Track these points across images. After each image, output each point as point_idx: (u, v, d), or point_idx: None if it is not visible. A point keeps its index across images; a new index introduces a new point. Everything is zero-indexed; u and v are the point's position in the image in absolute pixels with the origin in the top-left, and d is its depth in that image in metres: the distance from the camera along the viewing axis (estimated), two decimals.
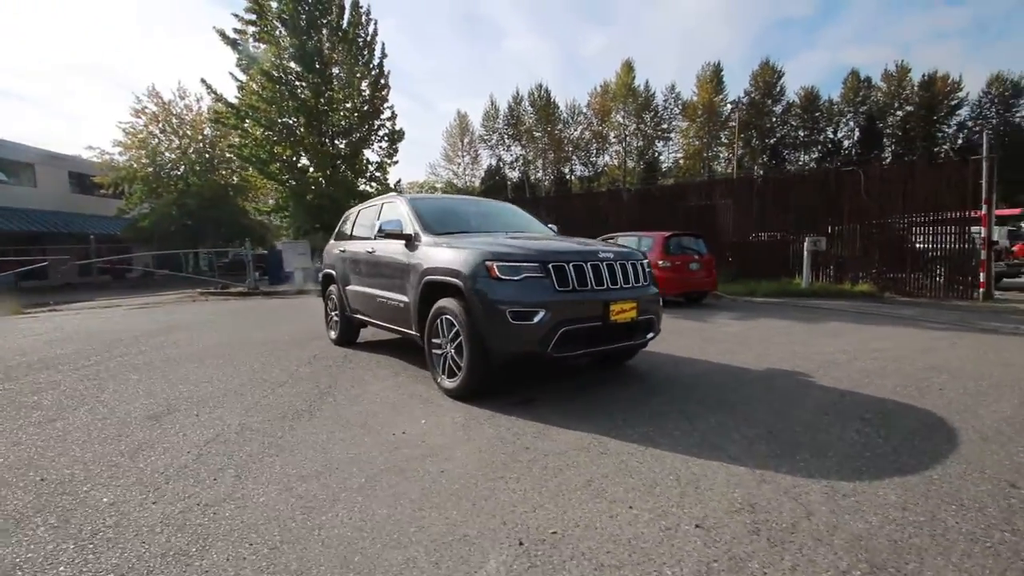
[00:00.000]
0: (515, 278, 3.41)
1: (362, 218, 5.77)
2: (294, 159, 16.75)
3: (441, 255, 3.93)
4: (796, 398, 3.59)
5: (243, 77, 16.19)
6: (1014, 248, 13.73)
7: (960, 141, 50.79)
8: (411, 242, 4.37)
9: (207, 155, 21.95)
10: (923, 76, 51.37)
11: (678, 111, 51.13)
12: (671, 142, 51.60)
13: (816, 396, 3.64)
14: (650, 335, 3.97)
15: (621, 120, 50.10)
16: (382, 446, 2.88)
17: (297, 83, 16.13)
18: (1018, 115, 49.18)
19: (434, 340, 3.94)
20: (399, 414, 3.43)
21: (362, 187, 17.76)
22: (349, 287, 5.57)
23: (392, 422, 3.27)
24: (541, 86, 48.37)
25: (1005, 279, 12.56)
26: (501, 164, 51.49)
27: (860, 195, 11.32)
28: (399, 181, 20.09)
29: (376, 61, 17.07)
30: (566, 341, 3.42)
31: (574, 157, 51.01)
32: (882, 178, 11.33)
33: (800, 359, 4.83)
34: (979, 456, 2.58)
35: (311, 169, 16.85)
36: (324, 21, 16.33)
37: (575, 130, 51.13)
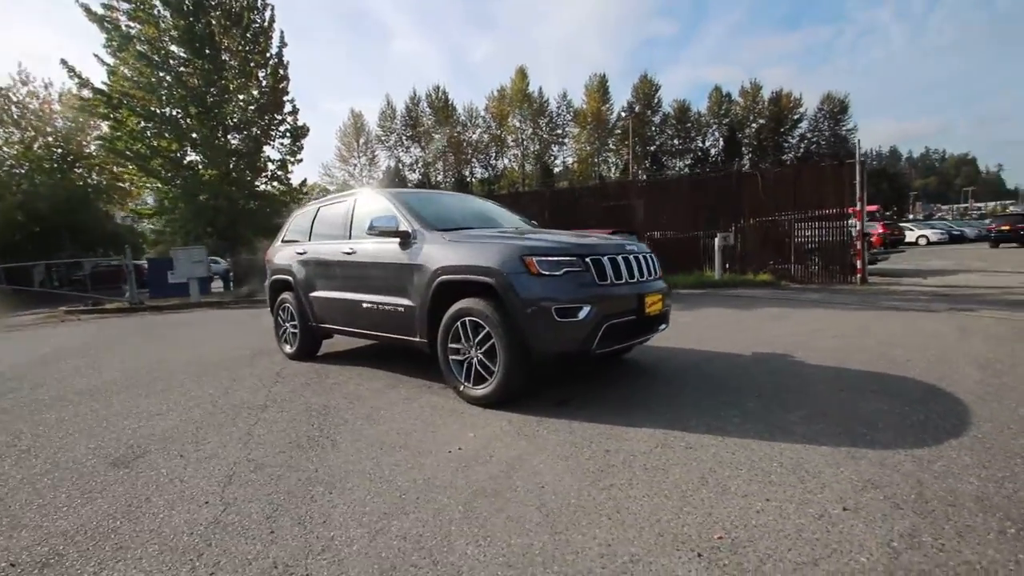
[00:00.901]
0: (556, 273, 3.23)
1: (326, 216, 5.16)
2: (180, 155, 14.65)
3: (456, 253, 3.62)
4: (803, 379, 3.84)
5: (111, 60, 13.80)
6: (872, 239, 16.31)
7: (802, 150, 59.54)
8: (407, 240, 3.98)
9: (59, 151, 18.42)
10: (772, 93, 59.34)
11: (570, 118, 53.64)
12: (565, 147, 53.93)
13: (817, 375, 3.92)
14: (663, 326, 4.01)
15: (518, 124, 51.28)
16: (448, 467, 2.54)
17: (183, 70, 14.13)
18: (844, 128, 58.77)
19: (452, 345, 3.61)
20: (436, 429, 3.08)
21: (262, 187, 16.11)
22: (315, 294, 4.95)
23: (437, 438, 2.92)
24: (439, 88, 47.88)
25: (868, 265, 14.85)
26: (400, 165, 50.01)
27: (759, 195, 12.66)
28: (304, 182, 18.55)
29: (274, 50, 15.57)
30: (608, 336, 3.31)
31: (474, 159, 51.16)
32: (776, 179, 12.79)
33: (769, 343, 5.20)
34: (992, 414, 2.93)
35: (201, 166, 14.87)
36: (214, 3, 14.51)
37: (473, 133, 51.31)
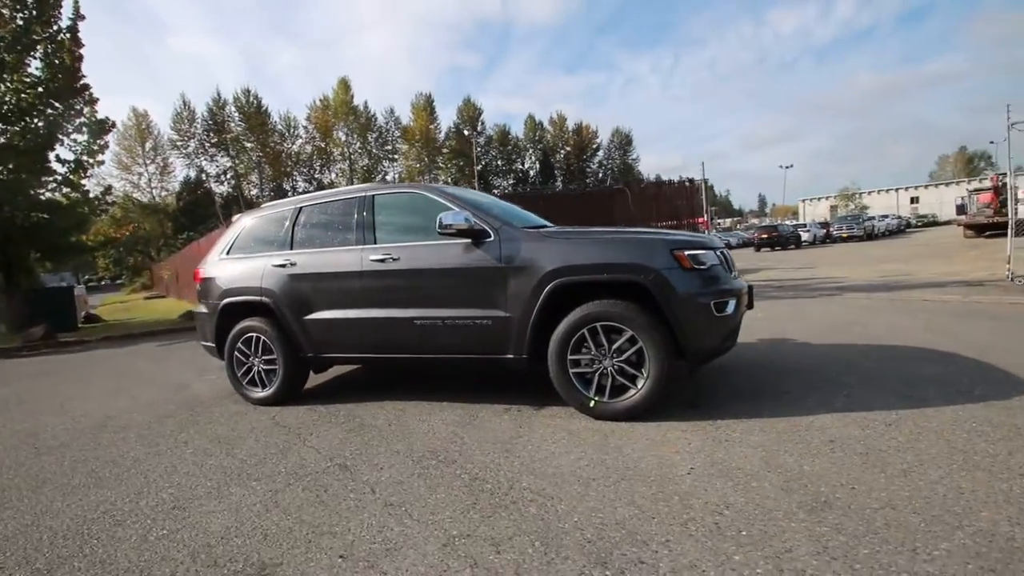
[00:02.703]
0: (705, 266, 3.08)
1: (319, 219, 4.07)
2: None
3: (579, 251, 3.21)
4: (837, 357, 4.35)
5: None
6: None
7: (600, 175, 68.74)
8: (486, 240, 3.38)
9: None
10: (575, 124, 67.34)
11: (398, 134, 52.84)
12: (395, 162, 52.87)
13: (834, 354, 4.48)
14: None
15: (343, 137, 48.50)
16: (705, 495, 2.19)
17: None
18: (631, 158, 69.56)
19: (572, 357, 3.16)
20: (628, 457, 2.63)
21: (48, 195, 12.10)
22: (317, 316, 3.85)
23: (663, 472, 2.50)
24: (249, 91, 42.33)
25: None
26: (205, 176, 42.61)
27: (628, 208, 14.14)
28: (110, 188, 14.42)
29: (66, 23, 11.86)
30: (736, 332, 3.28)
31: (295, 172, 46.57)
32: (641, 194, 14.45)
33: (751, 331, 5.78)
34: (1015, 367, 3.70)
35: None
36: None
37: (292, 143, 46.76)
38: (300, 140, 45.74)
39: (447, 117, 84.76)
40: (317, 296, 3.87)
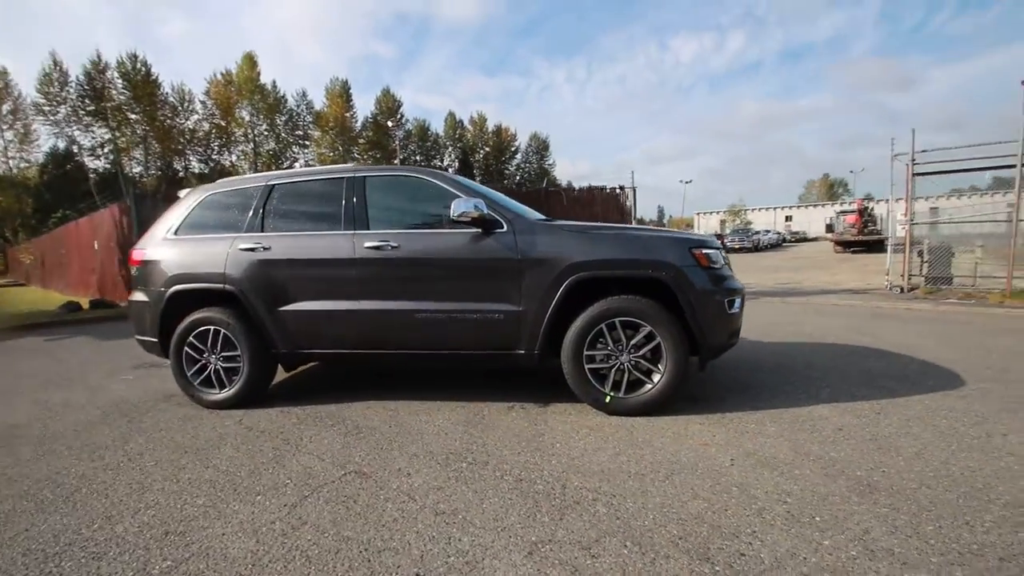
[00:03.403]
0: (717, 266, 3.18)
1: (297, 199, 3.64)
2: None
3: (601, 246, 3.16)
4: (792, 354, 4.73)
5: None
6: None
7: (518, 178, 69.84)
8: (492, 230, 3.23)
9: None
10: (495, 126, 67.75)
11: (311, 119, 49.65)
12: (307, 149, 49.61)
13: (788, 352, 4.89)
14: None
15: (248, 117, 44.56)
16: (759, 484, 2.26)
17: None
18: (547, 163, 71.39)
19: (588, 353, 3.11)
20: (643, 447, 2.63)
21: None
22: (296, 307, 3.43)
23: (698, 476, 2.52)
24: (137, 57, 37.18)
25: None
26: (77, 148, 36.73)
27: (563, 209, 14.44)
28: None
29: None
30: (739, 329, 3.44)
31: (189, 151, 41.88)
32: (575, 198, 14.82)
33: None
34: (944, 362, 4.26)
35: None
36: None
37: (186, 119, 42.02)
38: (196, 116, 41.20)
39: (364, 107, 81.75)
40: (297, 285, 3.45)
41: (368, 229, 3.42)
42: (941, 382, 3.59)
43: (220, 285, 3.52)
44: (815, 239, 50.88)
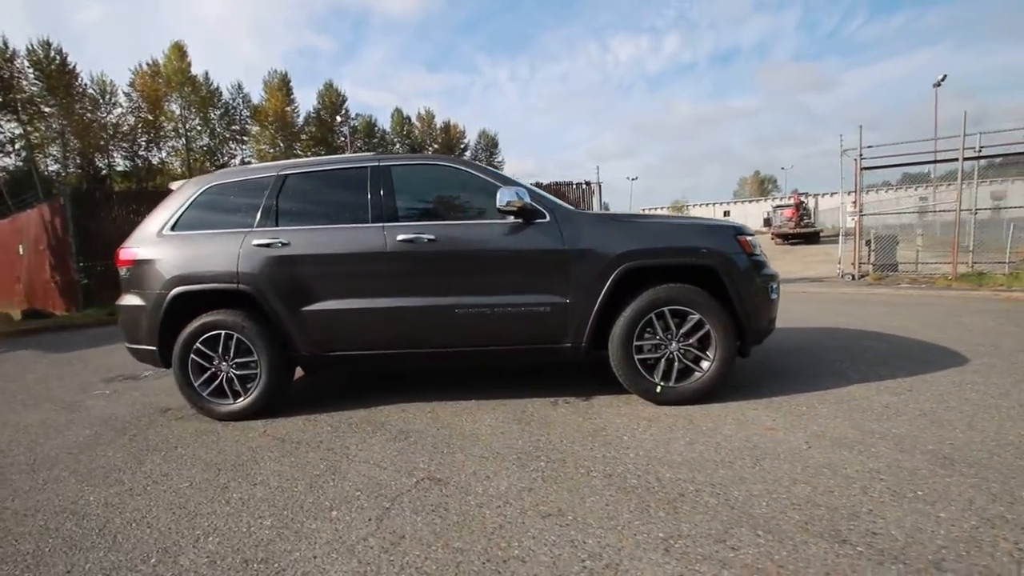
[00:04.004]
0: (758, 253, 3.22)
1: (315, 191, 3.38)
2: None
3: (647, 234, 3.13)
4: (801, 339, 4.92)
5: None
6: None
7: None
8: (533, 220, 3.13)
9: None
10: (444, 122, 66.94)
11: (248, 114, 47.05)
12: (245, 145, 47.01)
13: (796, 337, 5.08)
14: None
15: (179, 111, 41.59)
16: (845, 464, 2.30)
17: None
18: (497, 160, 71.34)
19: (638, 343, 3.08)
20: (714, 435, 2.62)
21: None
22: (321, 306, 3.18)
23: (766, 469, 2.52)
24: (50, 44, 33.60)
25: None
26: None
27: None
28: None
29: None
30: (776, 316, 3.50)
31: (113, 147, 38.50)
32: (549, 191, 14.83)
33: None
34: (935, 340, 4.55)
35: None
36: None
37: (108, 113, 38.59)
38: (120, 110, 37.90)
39: (306, 101, 78.63)
40: (322, 283, 3.20)
41: (397, 221, 3.22)
42: (947, 359, 3.83)
43: (233, 285, 3.20)
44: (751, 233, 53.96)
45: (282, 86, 48.58)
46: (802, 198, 32.71)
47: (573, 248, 3.06)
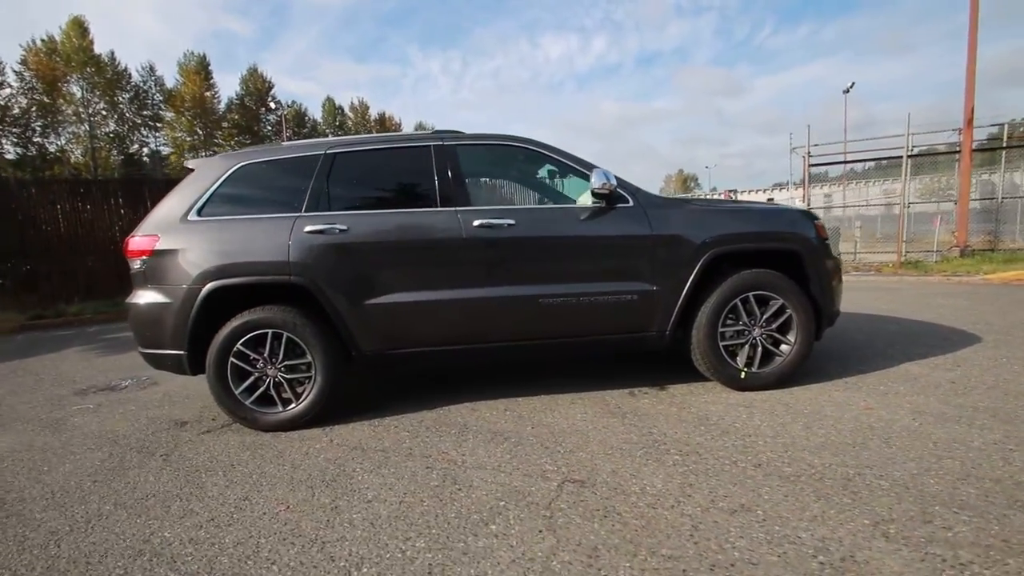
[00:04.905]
0: (828, 238, 3.28)
1: (368, 168, 3.04)
2: None
3: (733, 220, 3.10)
4: None
5: None
6: None
7: None
8: (616, 205, 3.00)
9: None
10: (378, 114, 64.78)
11: (162, 99, 42.93)
12: (159, 132, 42.91)
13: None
14: None
15: (80, 93, 37.14)
16: (955, 439, 2.37)
17: None
18: None
19: (722, 329, 3.04)
20: (818, 419, 2.63)
21: None
22: (387, 299, 2.85)
23: (874, 428, 2.55)
24: None
25: None
26: None
27: None
28: None
29: None
30: None
31: (0, 133, 33.60)
32: None
33: None
34: (942, 320, 4.89)
35: None
36: None
37: None
38: (9, 91, 33.15)
39: (228, 87, 73.03)
40: (389, 273, 2.88)
41: (469, 205, 2.96)
42: (962, 338, 4.13)
43: (285, 277, 2.80)
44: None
45: (200, 69, 44.71)
46: (731, 195, 34.88)
47: (659, 234, 2.96)
